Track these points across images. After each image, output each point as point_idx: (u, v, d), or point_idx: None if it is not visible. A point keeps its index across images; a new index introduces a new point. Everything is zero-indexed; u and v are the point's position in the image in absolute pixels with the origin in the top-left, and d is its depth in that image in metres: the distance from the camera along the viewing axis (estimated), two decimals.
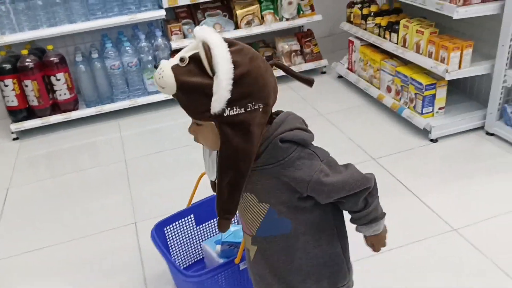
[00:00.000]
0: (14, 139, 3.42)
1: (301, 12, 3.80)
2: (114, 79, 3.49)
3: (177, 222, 1.89)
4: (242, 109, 1.01)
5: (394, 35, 3.08)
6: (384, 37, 3.19)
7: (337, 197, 1.13)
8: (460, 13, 2.46)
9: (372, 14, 3.33)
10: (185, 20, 3.61)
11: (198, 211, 1.92)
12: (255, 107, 1.02)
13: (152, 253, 1.84)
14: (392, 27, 3.10)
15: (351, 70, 3.67)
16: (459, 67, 2.64)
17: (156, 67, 1.04)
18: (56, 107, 3.44)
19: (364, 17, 3.40)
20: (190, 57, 0.99)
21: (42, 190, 2.84)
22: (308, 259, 1.22)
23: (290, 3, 3.68)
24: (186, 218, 1.91)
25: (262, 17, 3.70)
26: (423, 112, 2.84)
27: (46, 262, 2.22)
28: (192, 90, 1.00)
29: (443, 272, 1.90)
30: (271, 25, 3.70)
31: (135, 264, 2.12)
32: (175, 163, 2.97)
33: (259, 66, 1.03)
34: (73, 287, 2.06)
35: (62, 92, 3.37)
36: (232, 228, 1.71)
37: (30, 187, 2.88)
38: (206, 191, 1.64)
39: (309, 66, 3.89)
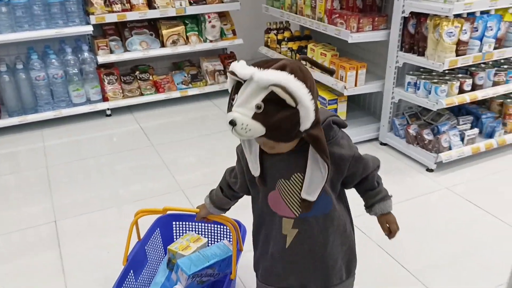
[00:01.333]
0: None
1: (224, 36, 4.13)
2: (38, 90, 3.56)
3: (124, 285, 1.67)
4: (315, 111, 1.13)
5: None
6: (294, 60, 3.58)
7: (367, 173, 1.33)
8: (354, 38, 2.89)
9: (285, 39, 3.72)
10: (112, 37, 3.79)
11: (134, 265, 1.77)
12: (316, 102, 1.14)
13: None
14: (301, 51, 3.50)
15: None
16: (355, 85, 3.05)
17: (233, 123, 1.08)
18: None
19: (279, 42, 3.78)
20: (263, 101, 1.07)
21: None
22: (337, 243, 1.37)
23: (213, 26, 4.00)
24: (128, 277, 1.71)
25: (187, 37, 3.97)
26: None
27: None
28: (281, 125, 1.09)
29: None
30: (196, 45, 3.98)
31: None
32: (96, 171, 3.09)
33: (307, 71, 1.13)
34: None
35: None
36: (186, 260, 1.69)
37: None
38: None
39: None
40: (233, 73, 1.11)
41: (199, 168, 3.05)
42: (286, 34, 3.76)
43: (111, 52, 3.76)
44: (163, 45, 3.90)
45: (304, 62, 1.32)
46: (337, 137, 1.26)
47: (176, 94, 3.99)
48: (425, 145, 2.91)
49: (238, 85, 1.12)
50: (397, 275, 2.06)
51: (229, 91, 1.16)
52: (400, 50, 2.92)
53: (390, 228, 1.41)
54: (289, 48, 3.65)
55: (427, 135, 2.91)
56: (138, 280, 1.80)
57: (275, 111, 1.07)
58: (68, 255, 2.23)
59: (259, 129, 1.07)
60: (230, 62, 4.22)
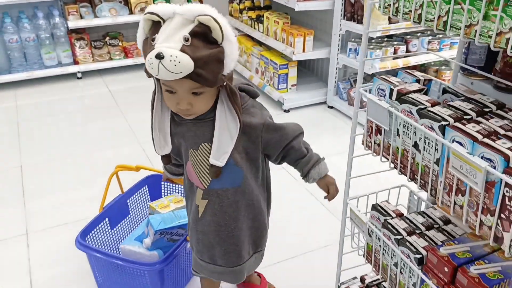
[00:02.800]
0: None
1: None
2: (12, 52, 3.78)
3: (96, 228, 1.79)
4: None
5: (260, 26, 3.71)
6: (253, 28, 3.82)
7: (288, 141, 1.27)
8: (300, 6, 3.13)
9: (246, 8, 3.95)
10: (82, 4, 3.99)
11: (111, 214, 1.88)
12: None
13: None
14: (259, 19, 3.73)
15: None
16: (303, 51, 3.31)
17: (160, 56, 1.00)
18: None
19: (241, 11, 4.01)
20: (190, 34, 1.01)
21: None
22: (249, 218, 1.34)
23: None
24: (102, 223, 1.82)
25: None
26: (279, 87, 3.48)
27: None
28: (209, 62, 1.04)
29: None
30: None
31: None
32: (66, 129, 3.34)
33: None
34: None
35: None
36: (158, 217, 1.72)
37: None
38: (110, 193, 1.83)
39: None
40: (153, 13, 1.05)
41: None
42: (247, 3, 3.99)
43: (81, 18, 3.97)
44: (131, 12, 4.12)
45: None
46: (246, 105, 1.22)
47: (143, 59, 4.21)
48: (364, 106, 3.18)
49: (157, 26, 1.06)
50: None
51: (141, 35, 1.11)
52: (342, 18, 3.17)
53: (329, 190, 1.36)
54: (249, 17, 3.88)
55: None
56: (114, 229, 1.89)
57: (202, 45, 1.02)
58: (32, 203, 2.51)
59: (188, 62, 1.00)
60: None
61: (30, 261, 2.01)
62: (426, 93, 1.11)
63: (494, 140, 0.86)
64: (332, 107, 3.51)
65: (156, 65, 1.01)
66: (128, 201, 1.98)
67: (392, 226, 1.18)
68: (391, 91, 1.11)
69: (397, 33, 3.24)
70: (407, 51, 3.12)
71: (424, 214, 1.22)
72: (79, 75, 4.07)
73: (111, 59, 4.16)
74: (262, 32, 3.69)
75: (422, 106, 1.01)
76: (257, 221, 1.37)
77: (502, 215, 0.85)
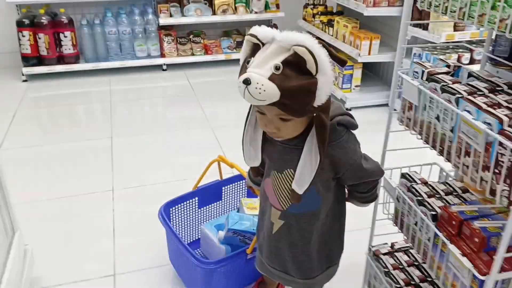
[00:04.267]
0: (23, 80, 4.25)
1: (268, 8, 4.68)
2: (110, 42, 4.34)
3: (183, 204, 1.93)
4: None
5: (330, 29, 3.95)
6: (324, 31, 4.06)
7: (363, 180, 1.29)
8: (368, 11, 3.33)
9: (319, 13, 4.20)
10: (173, 3, 4.47)
11: (202, 195, 1.99)
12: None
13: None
14: (330, 23, 3.97)
15: None
16: (369, 53, 3.50)
17: (247, 82, 1.01)
18: (61, 59, 4.27)
19: (314, 16, 4.27)
20: (282, 63, 1.01)
21: (41, 122, 3.68)
22: (321, 242, 1.37)
23: None
24: (190, 200, 1.96)
25: (236, 8, 4.57)
26: (343, 87, 3.70)
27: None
28: (297, 93, 1.03)
29: None
30: (242, 15, 4.56)
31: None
32: (149, 113, 3.81)
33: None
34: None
35: (68, 47, 4.21)
36: (237, 216, 1.76)
37: (33, 115, 3.72)
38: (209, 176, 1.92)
39: None
40: (253, 35, 1.06)
41: (236, 123, 3.64)
42: (320, 8, 4.24)
43: (171, 16, 4.44)
44: (214, 13, 4.53)
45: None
46: (341, 140, 1.21)
47: (221, 57, 4.63)
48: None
49: (256, 48, 1.07)
50: None
51: (242, 56, 1.12)
52: (410, 25, 3.32)
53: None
54: (320, 21, 4.13)
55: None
56: (201, 209, 2.02)
57: (294, 75, 1.01)
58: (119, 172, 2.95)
59: (274, 91, 1.00)
60: None
61: (114, 220, 2.42)
62: (452, 76, 1.30)
63: (495, 109, 1.05)
64: (395, 110, 3.64)
65: (243, 90, 1.03)
66: (223, 188, 2.07)
67: (416, 190, 1.38)
68: (423, 72, 1.31)
69: (463, 40, 3.33)
70: (471, 59, 3.20)
71: (446, 183, 1.40)
72: (164, 67, 4.55)
73: (193, 54, 4.60)
74: (332, 35, 3.93)
75: (445, 84, 1.21)
76: (331, 238, 1.40)
77: (496, 170, 1.04)
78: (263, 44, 1.06)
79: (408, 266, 1.61)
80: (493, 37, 1.35)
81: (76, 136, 3.28)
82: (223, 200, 2.10)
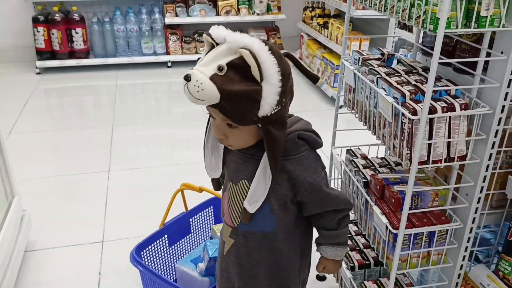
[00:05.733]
0: (37, 73, 4.55)
1: (270, 10, 4.90)
2: (118, 39, 4.61)
3: (153, 244, 1.78)
4: (280, 105, 1.02)
5: (326, 31, 4.15)
6: (320, 32, 4.26)
7: (324, 209, 1.18)
8: (357, 13, 3.52)
9: (316, 15, 4.41)
10: (179, 4, 4.73)
11: (171, 231, 1.84)
12: (287, 101, 1.05)
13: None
14: (325, 25, 4.17)
15: (300, 58, 4.74)
16: None
17: (187, 78, 0.96)
18: (72, 54, 4.56)
19: (312, 18, 4.47)
20: (227, 65, 0.96)
21: (50, 110, 3.97)
22: (274, 265, 1.24)
23: (261, 1, 4.78)
24: (160, 239, 1.81)
25: (239, 9, 4.80)
26: (334, 85, 3.88)
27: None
28: (238, 98, 0.97)
29: None
30: (244, 17, 4.79)
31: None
32: (154, 107, 4.07)
33: (287, 63, 1.04)
34: None
35: (79, 43, 4.50)
36: (214, 243, 1.68)
37: (43, 105, 4.01)
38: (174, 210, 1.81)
39: None
40: (208, 34, 1.03)
41: None
42: (318, 11, 4.45)
43: (176, 15, 4.70)
44: (218, 13, 4.77)
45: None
46: (300, 156, 1.13)
47: None
48: None
49: (211, 48, 1.04)
50: None
51: (202, 55, 1.07)
52: (397, 27, 3.50)
53: (325, 270, 1.33)
54: (317, 23, 4.33)
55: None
56: (172, 247, 1.87)
57: (237, 79, 0.96)
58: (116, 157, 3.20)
59: (213, 92, 0.95)
60: (273, 34, 5.01)
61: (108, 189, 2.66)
62: (385, 62, 1.49)
63: (402, 86, 1.25)
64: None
65: (183, 86, 0.98)
66: (190, 220, 1.94)
67: (355, 163, 1.57)
68: (359, 59, 1.51)
69: None
70: None
71: (384, 158, 1.59)
72: (169, 64, 4.81)
73: (197, 52, 4.85)
74: (327, 37, 4.12)
75: (372, 67, 1.41)
76: (283, 271, 1.27)
77: (401, 137, 1.23)
78: (217, 44, 1.02)
79: (356, 235, 1.80)
80: None
81: (81, 124, 3.55)
82: (192, 233, 1.97)
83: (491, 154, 1.24)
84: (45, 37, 4.40)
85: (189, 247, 1.98)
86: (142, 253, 1.70)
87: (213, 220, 2.04)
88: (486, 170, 1.26)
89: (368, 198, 1.43)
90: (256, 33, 4.96)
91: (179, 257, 1.93)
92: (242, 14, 4.80)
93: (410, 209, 1.27)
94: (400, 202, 1.32)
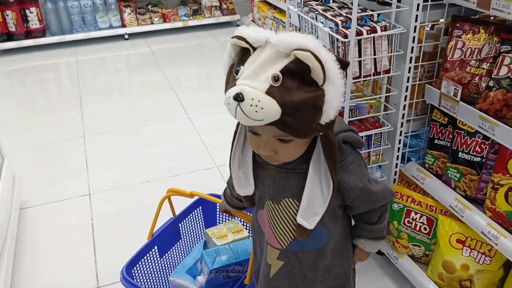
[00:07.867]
0: None
1: None
2: (73, 16, 4.69)
3: (143, 259, 1.62)
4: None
5: None
6: None
7: (373, 207, 1.10)
8: None
9: None
10: None
11: (160, 241, 1.71)
12: None
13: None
14: None
15: (253, 21, 4.97)
16: None
17: (239, 98, 0.82)
18: (29, 34, 4.61)
19: None
20: (282, 72, 0.83)
21: (12, 90, 4.06)
22: (329, 278, 1.17)
23: None
24: (150, 252, 1.65)
25: None
26: None
27: None
28: (300, 108, 0.84)
29: None
30: None
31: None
32: (115, 80, 4.22)
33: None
34: None
35: (34, 23, 4.55)
36: (212, 253, 1.58)
37: (6, 86, 4.09)
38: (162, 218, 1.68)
39: (225, 19, 5.18)
40: (240, 38, 0.86)
41: (197, 84, 3.99)
42: None
43: None
44: None
45: None
46: (346, 161, 1.02)
47: (179, 24, 5.03)
48: None
49: (245, 53, 0.88)
50: None
51: (227, 63, 0.92)
52: None
53: (359, 259, 1.27)
54: None
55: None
56: (164, 257, 1.73)
57: (295, 87, 0.83)
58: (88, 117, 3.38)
59: (274, 109, 0.82)
60: (226, 0, 5.19)
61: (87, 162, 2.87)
62: (322, 3, 1.77)
63: (336, 17, 1.53)
64: None
65: (234, 107, 0.83)
66: (180, 225, 1.80)
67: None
68: (301, 2, 1.78)
69: None
70: None
71: None
72: (126, 36, 4.93)
73: (152, 23, 4.99)
74: None
75: (311, 7, 1.69)
76: (339, 279, 1.21)
77: None
78: (254, 49, 0.87)
79: None
80: None
81: (48, 101, 3.71)
82: (183, 238, 1.83)
83: (410, 68, 1.56)
84: (0, 19, 4.42)
85: (181, 254, 1.84)
86: (132, 271, 1.55)
87: (203, 221, 1.90)
88: (408, 81, 1.58)
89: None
90: None
91: (172, 267, 1.79)
92: None
93: (349, 118, 1.58)
94: (342, 115, 1.63)
